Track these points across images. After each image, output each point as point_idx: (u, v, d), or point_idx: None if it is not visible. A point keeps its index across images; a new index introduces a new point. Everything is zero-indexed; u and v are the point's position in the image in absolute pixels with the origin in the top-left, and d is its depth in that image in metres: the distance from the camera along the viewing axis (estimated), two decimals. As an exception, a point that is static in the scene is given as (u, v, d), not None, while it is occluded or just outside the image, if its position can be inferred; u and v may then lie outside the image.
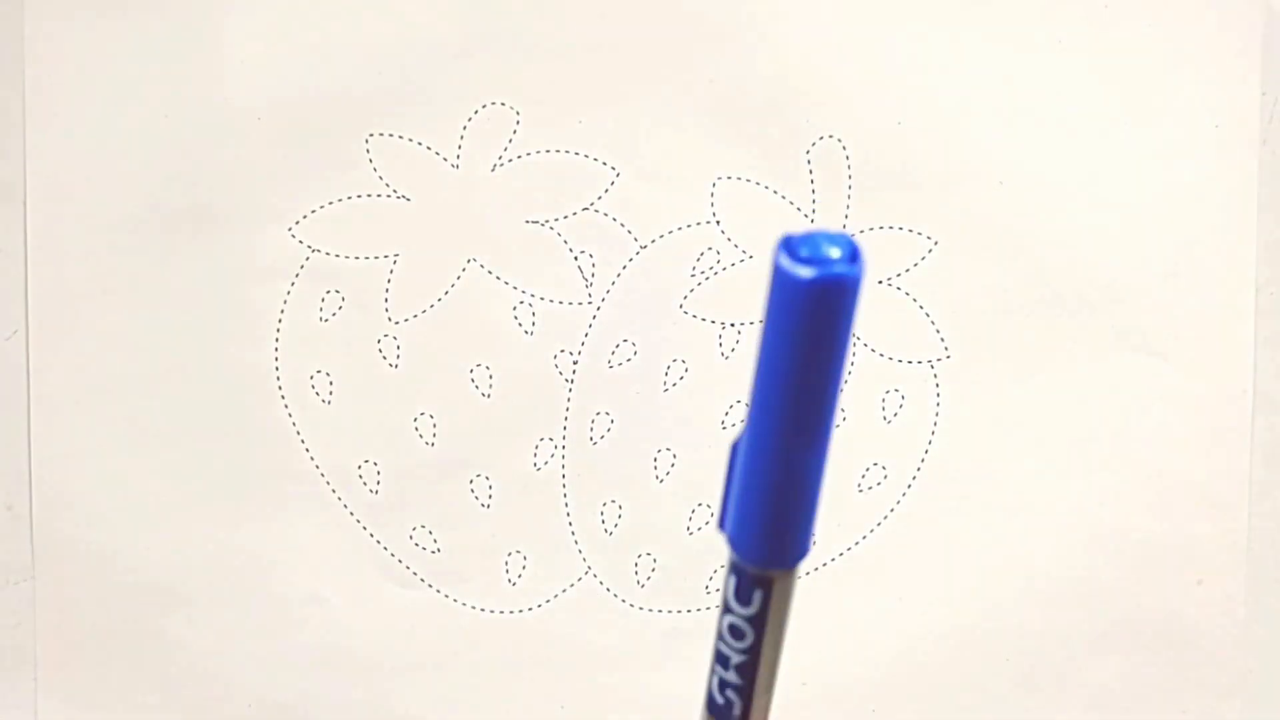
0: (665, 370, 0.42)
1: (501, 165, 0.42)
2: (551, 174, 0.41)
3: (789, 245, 0.18)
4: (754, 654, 0.22)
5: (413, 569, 0.43)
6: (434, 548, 0.43)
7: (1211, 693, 0.43)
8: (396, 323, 0.42)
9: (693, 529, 0.42)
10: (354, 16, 0.41)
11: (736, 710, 0.24)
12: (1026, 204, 0.41)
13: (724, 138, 0.41)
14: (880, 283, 0.41)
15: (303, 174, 0.42)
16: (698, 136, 0.41)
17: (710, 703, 0.24)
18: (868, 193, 0.41)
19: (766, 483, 0.20)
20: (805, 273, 0.18)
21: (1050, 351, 0.42)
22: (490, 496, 0.43)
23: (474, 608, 0.43)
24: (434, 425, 0.42)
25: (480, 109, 0.41)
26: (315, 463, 0.43)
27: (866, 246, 0.41)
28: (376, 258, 0.42)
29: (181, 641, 0.43)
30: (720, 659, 0.23)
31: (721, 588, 0.22)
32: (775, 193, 0.41)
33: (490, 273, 0.42)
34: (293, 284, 0.42)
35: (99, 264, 0.42)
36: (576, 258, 0.42)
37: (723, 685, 0.23)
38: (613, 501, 0.42)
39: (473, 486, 0.43)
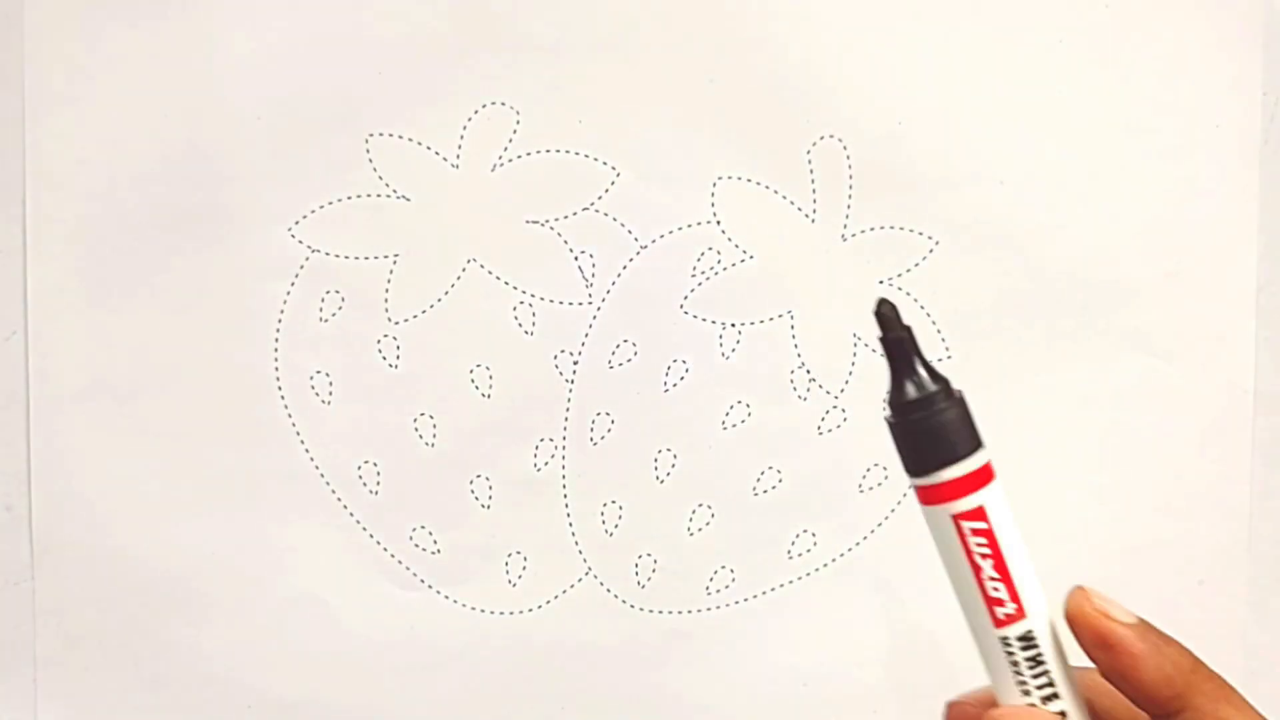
0: (665, 370, 0.42)
1: (501, 165, 0.42)
2: (551, 174, 0.41)
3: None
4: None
5: (413, 569, 0.43)
6: (434, 548, 0.43)
7: (1212, 693, 0.42)
8: (396, 323, 0.42)
9: (693, 529, 0.42)
10: (354, 16, 0.41)
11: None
12: (1026, 204, 0.41)
13: (724, 138, 0.41)
14: (880, 283, 0.41)
15: (303, 174, 0.42)
16: (698, 136, 0.41)
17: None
18: (868, 193, 0.41)
19: None
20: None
21: (1050, 351, 0.42)
22: (490, 497, 0.43)
23: (474, 608, 0.43)
24: (434, 425, 0.42)
25: (480, 109, 0.41)
26: (315, 463, 0.42)
27: (867, 247, 0.41)
28: (376, 258, 0.42)
29: (181, 641, 0.43)
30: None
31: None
32: (775, 193, 0.41)
33: (490, 273, 0.42)
34: (293, 284, 0.42)
35: (99, 264, 0.42)
36: (576, 258, 0.42)
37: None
38: (613, 502, 0.42)
39: (473, 487, 0.42)
